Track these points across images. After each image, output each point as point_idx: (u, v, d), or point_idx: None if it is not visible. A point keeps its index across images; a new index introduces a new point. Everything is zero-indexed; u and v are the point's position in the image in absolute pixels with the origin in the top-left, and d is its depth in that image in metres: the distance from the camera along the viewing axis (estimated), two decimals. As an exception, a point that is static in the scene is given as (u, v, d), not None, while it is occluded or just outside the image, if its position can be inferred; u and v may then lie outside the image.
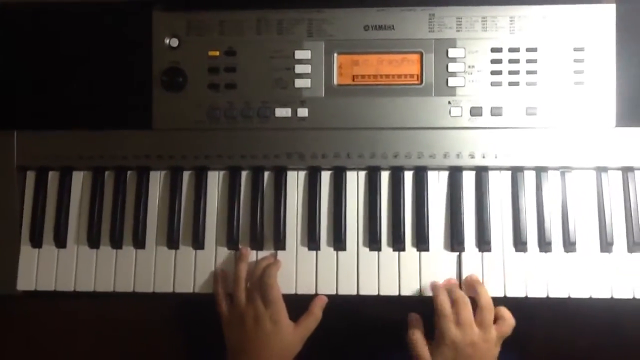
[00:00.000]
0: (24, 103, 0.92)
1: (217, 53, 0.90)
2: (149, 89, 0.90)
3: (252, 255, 0.89)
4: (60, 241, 0.91)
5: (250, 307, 0.83)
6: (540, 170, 0.89)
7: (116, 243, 0.91)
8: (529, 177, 0.89)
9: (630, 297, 0.86)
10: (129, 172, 0.93)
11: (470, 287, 0.85)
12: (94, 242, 0.91)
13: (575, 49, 0.87)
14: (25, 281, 0.91)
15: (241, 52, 0.89)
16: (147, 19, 0.90)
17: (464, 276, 0.87)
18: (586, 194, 0.88)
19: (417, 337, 0.83)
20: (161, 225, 0.91)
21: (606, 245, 0.87)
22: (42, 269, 0.91)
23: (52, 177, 0.93)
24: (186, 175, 0.92)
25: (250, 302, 0.83)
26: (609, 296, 0.86)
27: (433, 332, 0.83)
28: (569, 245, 0.87)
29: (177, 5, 0.89)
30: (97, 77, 0.91)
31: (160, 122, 0.90)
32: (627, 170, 0.88)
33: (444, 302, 0.83)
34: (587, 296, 0.86)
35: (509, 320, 0.83)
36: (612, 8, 0.86)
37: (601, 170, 0.88)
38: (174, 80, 0.90)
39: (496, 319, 0.83)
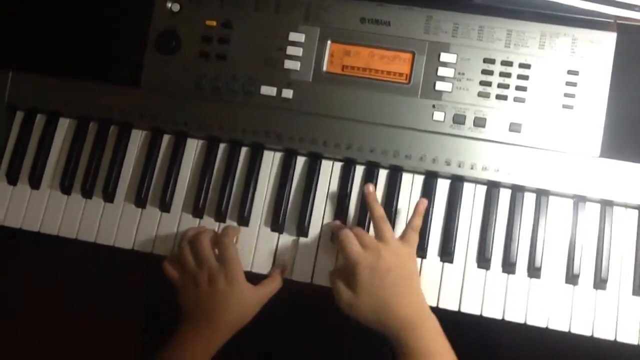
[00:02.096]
0: (22, 45, 0.91)
1: (214, 23, 0.89)
2: (143, 48, 0.88)
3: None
4: (35, 182, 0.89)
5: (204, 267, 0.79)
6: (516, 189, 0.83)
7: (87, 193, 0.89)
8: (504, 195, 0.84)
9: (589, 334, 0.81)
10: (111, 127, 0.93)
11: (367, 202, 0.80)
12: (66, 188, 0.89)
13: (570, 72, 0.81)
14: (-5, 216, 0.92)
15: (237, 26, 0.87)
16: (153, -19, 0.91)
17: (422, 282, 0.84)
18: (560, 222, 0.83)
19: (334, 273, 0.78)
20: (132, 183, 0.89)
21: (572, 277, 0.81)
22: (13, 206, 0.89)
23: (39, 120, 0.92)
24: (166, 138, 0.91)
25: (204, 262, 0.79)
26: (566, 329, 0.81)
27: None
28: (533, 270, 0.82)
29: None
30: (96, 30, 0.89)
31: (148, 82, 0.88)
32: (606, 204, 0.83)
33: (340, 229, 0.78)
34: (543, 325, 0.81)
35: (412, 225, 0.78)
36: (612, 37, 0.81)
37: (579, 199, 0.83)
38: (168, 44, 0.89)
39: None
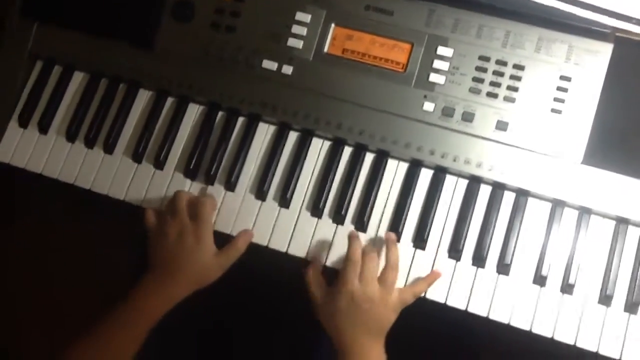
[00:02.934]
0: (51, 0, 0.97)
1: (228, -3, 0.93)
2: (160, 14, 0.91)
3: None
4: (44, 127, 0.93)
5: (177, 220, 0.81)
6: (497, 187, 0.83)
7: (89, 142, 0.92)
8: (484, 191, 0.84)
9: (549, 336, 0.80)
10: (121, 85, 0.97)
11: (386, 243, 0.81)
12: (71, 136, 0.93)
13: (562, 77, 0.81)
14: (3, 152, 0.96)
15: (248, 1, 0.91)
16: (176, -49, 0.95)
17: (390, 266, 0.85)
18: (536, 223, 0.83)
19: (312, 276, 0.80)
20: (133, 139, 0.92)
21: (540, 278, 0.81)
22: (20, 147, 0.93)
23: (56, 70, 0.97)
24: (169, 101, 0.95)
25: (177, 216, 0.81)
26: (527, 328, 0.81)
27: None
28: (502, 266, 0.82)
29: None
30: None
31: (161, 46, 0.90)
32: (584, 212, 0.83)
33: (357, 250, 0.78)
34: (506, 321, 0.81)
35: (416, 289, 0.79)
36: (609, 48, 0.80)
37: (558, 203, 0.84)
38: (183, 12, 0.92)
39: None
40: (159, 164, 0.91)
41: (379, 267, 0.79)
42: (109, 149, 0.93)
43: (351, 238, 0.81)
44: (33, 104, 0.96)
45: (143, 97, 0.95)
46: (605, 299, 0.80)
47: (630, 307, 0.79)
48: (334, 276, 0.81)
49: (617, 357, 0.78)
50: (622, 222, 0.82)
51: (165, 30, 0.92)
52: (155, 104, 0.94)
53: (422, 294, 0.81)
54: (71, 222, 1.21)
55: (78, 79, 0.97)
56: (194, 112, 0.93)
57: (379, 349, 0.78)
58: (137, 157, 0.92)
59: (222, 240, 0.85)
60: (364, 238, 0.85)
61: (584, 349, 0.79)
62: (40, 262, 1.23)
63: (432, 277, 0.81)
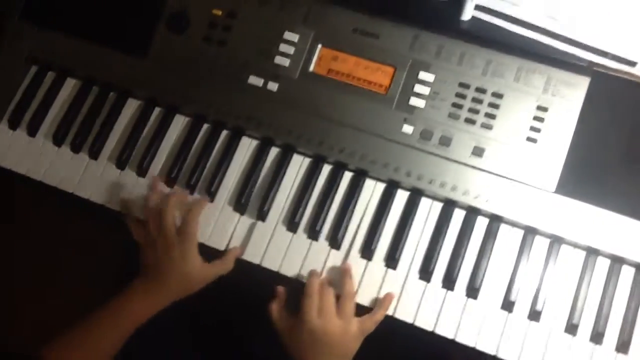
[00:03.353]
0: (50, 4, 0.98)
1: (220, 12, 0.94)
2: (155, 24, 0.93)
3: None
4: (32, 131, 0.95)
5: (164, 235, 0.82)
6: (470, 211, 0.85)
7: (76, 148, 0.93)
8: (458, 215, 0.85)
9: (515, 361, 0.81)
10: (111, 93, 0.99)
11: (341, 276, 0.82)
12: (58, 140, 0.94)
13: (539, 108, 0.82)
14: (-10, 152, 0.97)
15: (241, 17, 0.90)
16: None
17: (363, 285, 0.86)
18: (507, 249, 0.84)
19: (276, 310, 0.81)
20: (118, 146, 0.93)
21: (508, 304, 0.82)
22: (7, 147, 0.95)
23: (50, 76, 0.99)
24: (156, 111, 0.95)
25: (164, 232, 0.82)
26: (493, 353, 0.81)
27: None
28: (471, 290, 0.82)
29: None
30: (118, 1, 0.96)
31: (154, 55, 0.92)
32: (555, 240, 0.84)
33: (314, 284, 0.79)
34: (472, 344, 0.81)
35: (376, 317, 0.79)
36: (586, 81, 0.81)
37: (530, 231, 0.84)
38: (178, 23, 0.92)
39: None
40: (142, 171, 0.92)
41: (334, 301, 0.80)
42: (94, 154, 0.94)
43: (310, 273, 0.83)
44: (24, 107, 0.98)
45: (131, 106, 0.96)
46: (572, 328, 0.80)
47: (595, 338, 0.79)
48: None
49: (582, 385, 0.78)
50: (592, 253, 0.82)
51: (159, 40, 0.94)
52: (142, 113, 0.95)
53: (381, 319, 0.81)
54: (68, 223, 1.22)
55: (70, 85, 0.99)
56: (179, 123, 0.95)
57: None
58: (121, 164, 0.93)
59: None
60: (337, 254, 0.86)
61: (549, 378, 0.78)
62: (38, 260, 1.24)
63: (388, 301, 0.81)
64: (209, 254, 0.86)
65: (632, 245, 0.79)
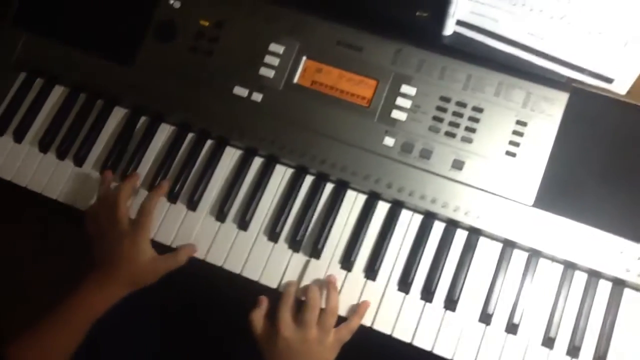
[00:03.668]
0: (38, 11, 0.98)
1: (207, 23, 0.95)
2: (143, 33, 0.93)
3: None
4: (18, 137, 0.95)
5: (116, 226, 0.82)
6: (450, 224, 0.85)
7: (61, 155, 0.94)
8: (437, 227, 0.85)
9: (492, 374, 0.81)
10: (98, 101, 0.99)
11: (326, 287, 0.82)
12: (44, 147, 0.94)
13: (518, 122, 0.83)
14: (-23, 158, 0.98)
15: (227, 28, 0.91)
16: (163, -22, 0.97)
17: (342, 293, 0.86)
18: (485, 262, 0.84)
19: (256, 319, 0.80)
20: (103, 153, 0.93)
21: (485, 316, 0.82)
22: (-6, 153, 0.98)
23: (38, 82, 1.00)
24: (143, 119, 0.97)
25: (117, 223, 0.82)
26: (472, 366, 0.81)
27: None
28: (449, 302, 0.82)
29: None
30: (107, 9, 0.96)
31: (141, 64, 0.93)
32: (533, 254, 0.84)
33: (291, 294, 0.80)
34: (449, 357, 0.81)
35: (351, 326, 0.79)
36: (564, 97, 0.82)
37: (508, 244, 0.84)
38: (166, 33, 0.93)
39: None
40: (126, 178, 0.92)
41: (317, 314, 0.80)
42: (79, 161, 0.94)
43: (288, 283, 0.82)
44: (11, 113, 0.98)
45: (118, 114, 0.97)
46: (549, 341, 0.80)
47: (572, 352, 0.79)
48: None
49: (557, 401, 0.77)
50: (569, 267, 0.82)
51: (146, 49, 0.95)
52: (128, 122, 0.96)
53: (356, 329, 0.81)
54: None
55: (58, 92, 0.99)
56: (165, 132, 0.95)
57: None
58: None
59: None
60: (317, 265, 0.86)
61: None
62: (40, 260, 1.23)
63: (363, 309, 0.81)
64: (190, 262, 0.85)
65: (609, 260, 0.80)
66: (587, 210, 0.81)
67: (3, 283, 1.19)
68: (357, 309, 0.81)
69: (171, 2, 0.96)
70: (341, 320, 0.81)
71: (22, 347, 0.77)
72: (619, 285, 0.81)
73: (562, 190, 0.82)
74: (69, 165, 0.94)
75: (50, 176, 0.94)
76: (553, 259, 0.83)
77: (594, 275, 0.82)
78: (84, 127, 0.96)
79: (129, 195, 0.87)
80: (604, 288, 0.82)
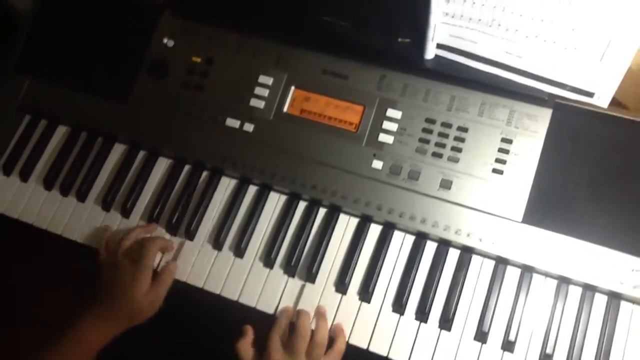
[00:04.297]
0: (41, 58, 1.01)
1: (199, 60, 0.97)
2: (137, 72, 0.96)
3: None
4: (24, 176, 0.98)
5: (123, 261, 0.84)
6: (442, 243, 0.84)
7: (64, 191, 0.96)
8: (429, 247, 0.86)
9: (489, 394, 0.79)
10: (98, 138, 1.02)
11: (315, 318, 0.82)
12: (49, 184, 0.96)
13: (504, 140, 0.82)
14: (-14, 199, 1.01)
15: (217, 63, 0.94)
16: (156, 19, 1.00)
17: (337, 319, 0.85)
18: (479, 280, 0.83)
19: (242, 348, 0.80)
20: (104, 188, 0.94)
21: (480, 334, 0.80)
22: (2, 194, 0.98)
23: (42, 124, 1.04)
24: (141, 154, 0.99)
25: (124, 259, 0.84)
26: (468, 385, 0.80)
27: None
28: (444, 322, 0.81)
29: (181, 14, 1.00)
30: (103, 52, 0.98)
31: (135, 101, 0.95)
32: (526, 270, 0.83)
33: (283, 322, 0.80)
34: (446, 377, 0.81)
35: (337, 350, 0.79)
36: (548, 113, 0.82)
37: (501, 261, 0.84)
38: (158, 71, 0.97)
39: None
40: (126, 212, 0.94)
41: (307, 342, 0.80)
42: (81, 197, 0.96)
43: (285, 310, 0.83)
44: (17, 154, 1.01)
45: (117, 150, 0.99)
46: (546, 357, 0.78)
47: (570, 367, 0.77)
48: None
49: (556, 419, 0.75)
50: (563, 282, 0.81)
51: (140, 87, 0.97)
52: (127, 157, 0.98)
53: (344, 350, 0.80)
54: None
55: (61, 132, 1.02)
56: (162, 165, 0.97)
57: None
58: (106, 206, 0.95)
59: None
60: (312, 289, 0.86)
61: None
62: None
63: (339, 330, 0.81)
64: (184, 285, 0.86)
65: (602, 273, 0.78)
66: (577, 223, 0.80)
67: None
68: (336, 334, 0.81)
69: (165, 41, 0.98)
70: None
71: None
72: (615, 298, 0.80)
73: (551, 205, 0.81)
74: (72, 201, 0.96)
75: (55, 212, 0.96)
76: (546, 274, 0.82)
77: (589, 289, 0.81)
78: (85, 164, 0.98)
79: (159, 249, 0.88)
80: (600, 302, 0.80)
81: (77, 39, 1.03)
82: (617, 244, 0.79)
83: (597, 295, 0.80)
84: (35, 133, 1.02)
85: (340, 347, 0.79)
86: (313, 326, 0.82)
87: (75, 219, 0.95)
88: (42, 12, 1.05)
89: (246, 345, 0.81)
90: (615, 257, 0.78)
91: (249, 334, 0.82)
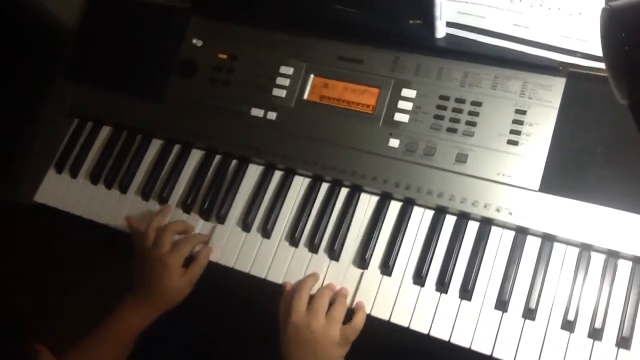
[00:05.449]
0: (85, 66, 1.09)
1: (225, 56, 1.02)
2: (168, 72, 1.01)
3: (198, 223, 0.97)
4: (74, 173, 1.04)
5: (156, 249, 0.87)
6: (461, 216, 0.84)
7: (108, 185, 1.02)
8: (449, 221, 0.84)
9: (511, 360, 0.77)
10: (138, 136, 1.07)
11: (336, 297, 0.82)
12: (94, 179, 1.03)
13: (518, 111, 0.81)
14: (41, 196, 1.06)
15: (241, 59, 0.98)
16: (186, 22, 1.04)
17: (359, 293, 0.86)
18: (499, 250, 0.82)
19: (281, 303, 0.82)
20: (143, 180, 1.00)
21: (501, 303, 0.79)
22: (55, 189, 1.04)
23: (88, 126, 1.11)
24: (175, 147, 1.03)
25: (157, 246, 0.87)
26: (489, 353, 0.78)
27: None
28: (464, 292, 0.80)
29: (210, 16, 1.04)
30: (138, 57, 1.04)
31: (169, 100, 1.00)
32: (546, 238, 0.81)
33: (308, 283, 0.81)
34: (467, 345, 0.79)
35: (355, 324, 0.78)
36: (561, 82, 0.80)
37: (520, 231, 0.81)
38: (189, 70, 1.02)
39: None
40: (163, 200, 0.98)
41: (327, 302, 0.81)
42: (123, 189, 1.02)
43: (308, 276, 0.84)
44: (67, 153, 1.08)
45: (154, 146, 1.04)
46: (568, 324, 0.76)
47: (593, 334, 0.75)
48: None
49: (581, 385, 0.73)
50: (585, 249, 0.79)
51: (172, 86, 1.02)
52: (163, 151, 1.02)
53: (362, 327, 0.80)
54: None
55: (104, 132, 1.08)
56: (195, 157, 1.01)
57: None
58: (145, 196, 1.00)
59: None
60: (336, 265, 0.87)
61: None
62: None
63: (360, 307, 0.81)
64: (215, 268, 0.89)
65: (625, 238, 0.76)
66: (595, 189, 0.78)
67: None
68: (359, 311, 0.81)
69: (194, 41, 1.02)
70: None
71: None
72: (639, 263, 0.76)
73: (568, 172, 0.79)
74: (116, 193, 1.02)
75: (100, 204, 1.02)
76: (568, 242, 0.79)
77: (612, 255, 0.78)
78: (126, 160, 1.04)
79: (176, 232, 0.92)
80: (624, 267, 0.77)
81: (116, 47, 1.09)
82: (637, 208, 0.75)
83: (621, 261, 0.77)
84: (83, 134, 1.08)
85: (358, 321, 0.79)
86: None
87: (118, 209, 1.01)
88: (86, 25, 1.12)
89: (283, 302, 0.82)
90: (636, 221, 0.75)
91: (289, 290, 0.84)
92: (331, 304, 0.81)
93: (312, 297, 0.82)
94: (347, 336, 0.78)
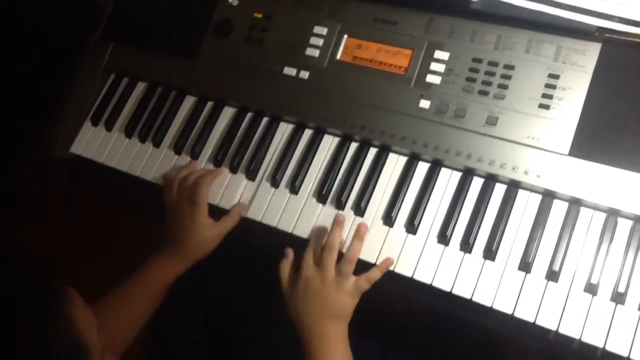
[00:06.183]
0: (121, 23, 1.10)
1: (260, 15, 1.02)
2: (204, 31, 1.02)
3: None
4: (109, 126, 1.06)
5: (179, 202, 0.89)
6: (489, 179, 0.83)
7: (142, 139, 1.02)
8: (476, 183, 0.85)
9: (532, 320, 0.76)
10: (172, 92, 1.09)
11: (353, 237, 0.82)
12: (129, 133, 1.04)
13: (550, 75, 0.80)
14: (77, 147, 1.09)
15: (276, 18, 0.97)
16: (222, -18, 1.06)
17: (384, 250, 0.86)
18: (525, 213, 0.82)
19: (283, 266, 0.84)
20: (176, 135, 1.01)
21: (524, 264, 0.79)
22: (89, 141, 1.06)
23: (124, 82, 1.13)
24: (208, 104, 1.04)
25: (179, 199, 0.89)
26: (510, 312, 0.77)
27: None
28: (488, 252, 0.80)
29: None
30: (175, 15, 1.05)
31: (203, 56, 1.01)
32: (573, 202, 0.80)
33: (318, 239, 0.82)
34: (489, 304, 0.79)
35: (369, 276, 0.79)
36: (597, 47, 0.79)
37: (547, 194, 0.81)
38: (224, 29, 1.02)
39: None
40: (195, 155, 1.00)
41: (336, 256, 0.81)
42: (156, 143, 1.03)
43: (317, 231, 0.85)
44: (103, 108, 1.09)
45: (188, 102, 1.05)
46: (591, 287, 0.75)
47: (616, 297, 0.74)
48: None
49: (601, 345, 0.73)
50: (612, 214, 0.78)
51: (207, 44, 1.03)
52: (196, 107, 1.03)
53: (377, 280, 0.80)
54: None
55: (140, 88, 1.09)
56: (227, 114, 1.02)
57: (339, 332, 0.78)
58: (178, 150, 1.01)
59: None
60: (361, 222, 0.87)
61: (566, 335, 0.74)
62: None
63: (385, 264, 0.81)
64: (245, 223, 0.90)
65: (652, 204, 0.74)
66: (627, 155, 0.77)
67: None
68: (381, 264, 0.81)
69: (230, 0, 1.03)
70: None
71: (100, 309, 0.82)
72: (666, 230, 0.75)
73: (599, 137, 0.78)
74: (149, 146, 1.03)
75: (134, 157, 1.04)
76: (595, 207, 0.79)
77: (639, 222, 0.77)
78: (160, 115, 1.05)
79: (209, 184, 0.93)
80: (650, 233, 0.76)
81: (153, 6, 1.10)
82: (668, 175, 0.74)
83: (647, 227, 0.76)
84: (118, 90, 1.10)
85: (374, 273, 0.79)
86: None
87: (150, 162, 1.02)
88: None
89: (286, 265, 0.84)
90: (667, 188, 0.74)
91: (290, 256, 0.85)
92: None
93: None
94: (360, 287, 0.79)
